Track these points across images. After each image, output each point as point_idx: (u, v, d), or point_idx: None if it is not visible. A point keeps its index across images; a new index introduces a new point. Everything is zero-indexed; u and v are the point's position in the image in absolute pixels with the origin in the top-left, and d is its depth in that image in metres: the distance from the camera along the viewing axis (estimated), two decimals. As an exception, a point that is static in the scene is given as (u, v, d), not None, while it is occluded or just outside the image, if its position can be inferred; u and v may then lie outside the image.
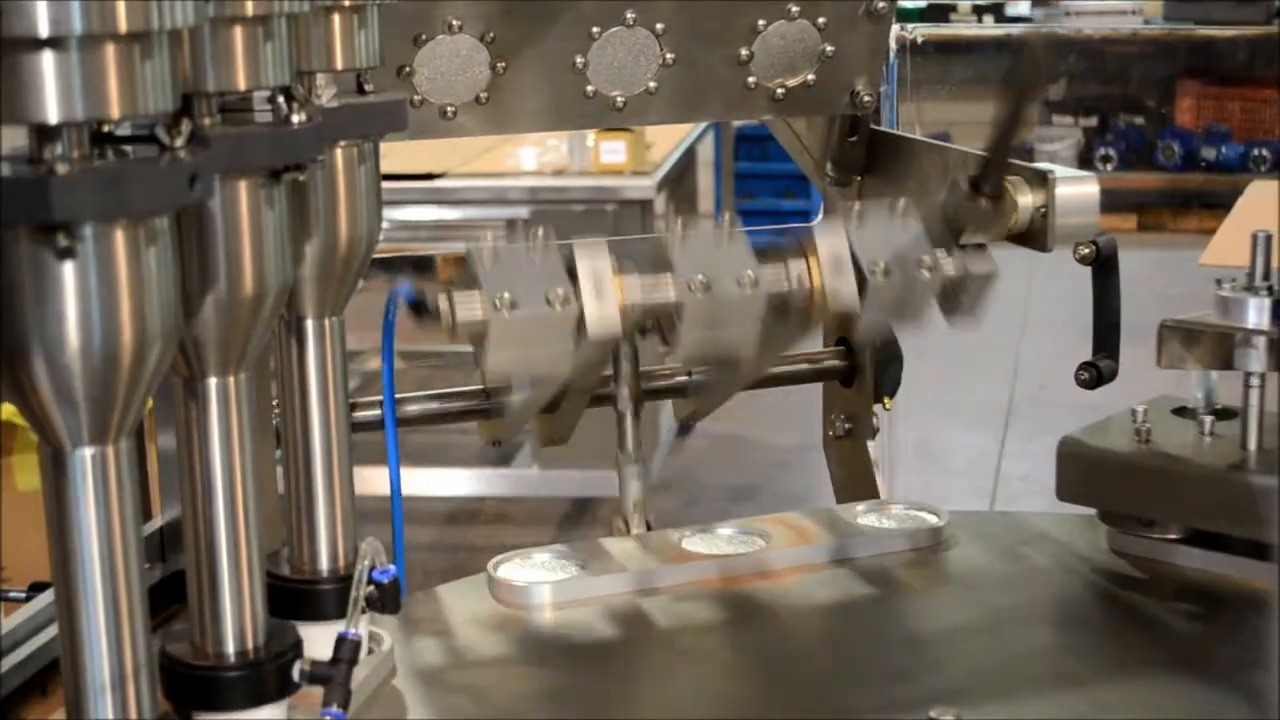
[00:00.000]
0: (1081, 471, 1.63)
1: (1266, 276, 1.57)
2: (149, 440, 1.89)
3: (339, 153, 1.32)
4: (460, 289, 1.50)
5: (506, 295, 1.48)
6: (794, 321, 1.59)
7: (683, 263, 1.54)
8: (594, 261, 1.52)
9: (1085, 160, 9.10)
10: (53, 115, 0.94)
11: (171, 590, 1.69)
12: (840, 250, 1.57)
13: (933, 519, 1.72)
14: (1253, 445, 1.58)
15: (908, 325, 1.63)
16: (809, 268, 1.58)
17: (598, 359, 1.58)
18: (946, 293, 1.59)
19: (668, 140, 5.46)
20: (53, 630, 1.62)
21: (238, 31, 1.11)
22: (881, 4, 1.81)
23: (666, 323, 1.56)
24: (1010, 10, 9.22)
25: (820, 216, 2.07)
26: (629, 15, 1.72)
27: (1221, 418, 1.63)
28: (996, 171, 1.58)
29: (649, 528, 1.73)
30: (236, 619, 1.20)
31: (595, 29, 1.72)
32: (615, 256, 1.54)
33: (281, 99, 1.16)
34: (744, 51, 1.80)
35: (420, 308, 1.51)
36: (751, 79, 1.81)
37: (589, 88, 1.76)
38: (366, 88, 1.34)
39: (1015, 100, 1.52)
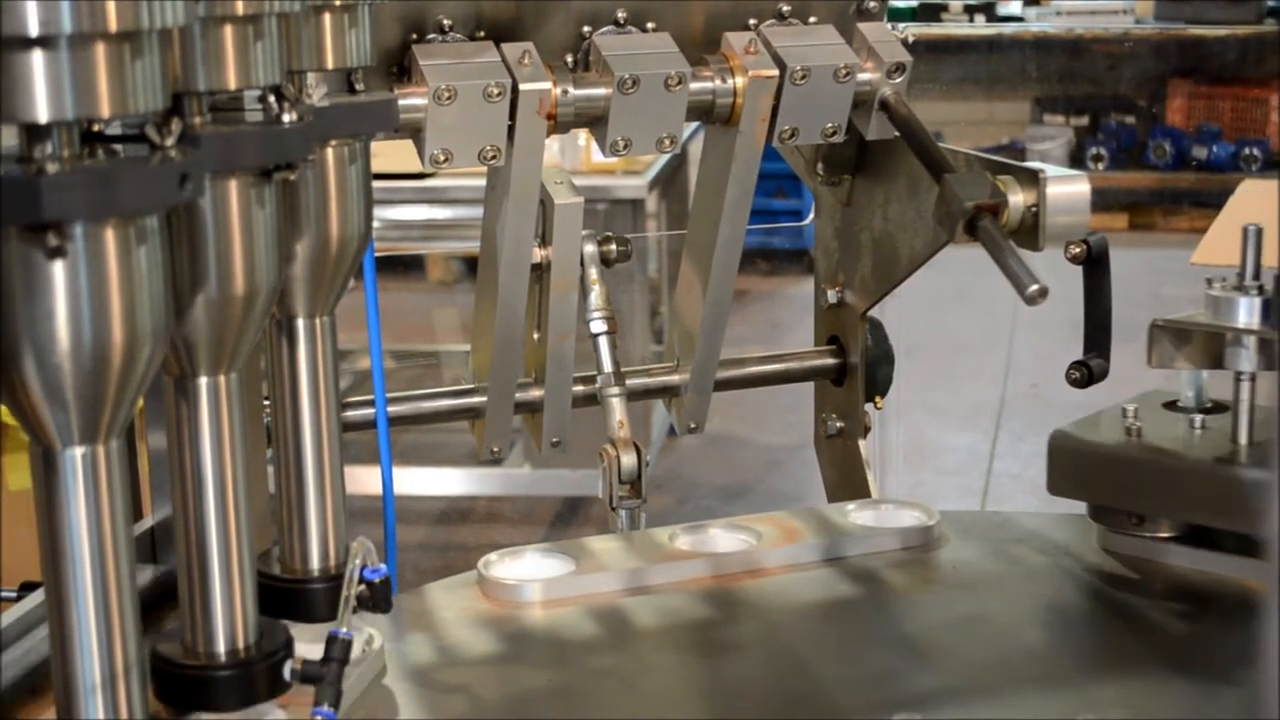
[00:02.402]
0: (1072, 465, 1.63)
1: (1257, 276, 1.57)
2: (140, 440, 1.89)
3: (329, 152, 1.32)
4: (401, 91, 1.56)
5: (444, 85, 1.55)
6: (718, 120, 1.67)
7: (615, 62, 1.61)
8: (525, 47, 1.60)
9: (1076, 159, 9.11)
10: (43, 114, 0.94)
11: (163, 590, 1.69)
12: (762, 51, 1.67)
13: (924, 518, 1.72)
14: (1243, 439, 1.58)
15: (822, 134, 1.69)
16: (731, 67, 1.66)
17: (535, 150, 1.63)
18: (862, 104, 1.68)
19: (659, 139, 5.45)
20: (43, 630, 1.62)
21: (228, 31, 1.11)
22: (873, 3, 1.81)
23: (597, 119, 1.64)
24: (1001, 10, 9.23)
25: (811, 216, 2.07)
26: (620, 14, 1.72)
27: (1212, 412, 1.64)
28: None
29: (639, 452, 1.74)
30: (227, 618, 1.20)
31: (587, 28, 1.72)
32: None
33: (272, 98, 1.16)
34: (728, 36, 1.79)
35: None
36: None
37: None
38: (357, 87, 1.34)
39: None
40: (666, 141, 1.64)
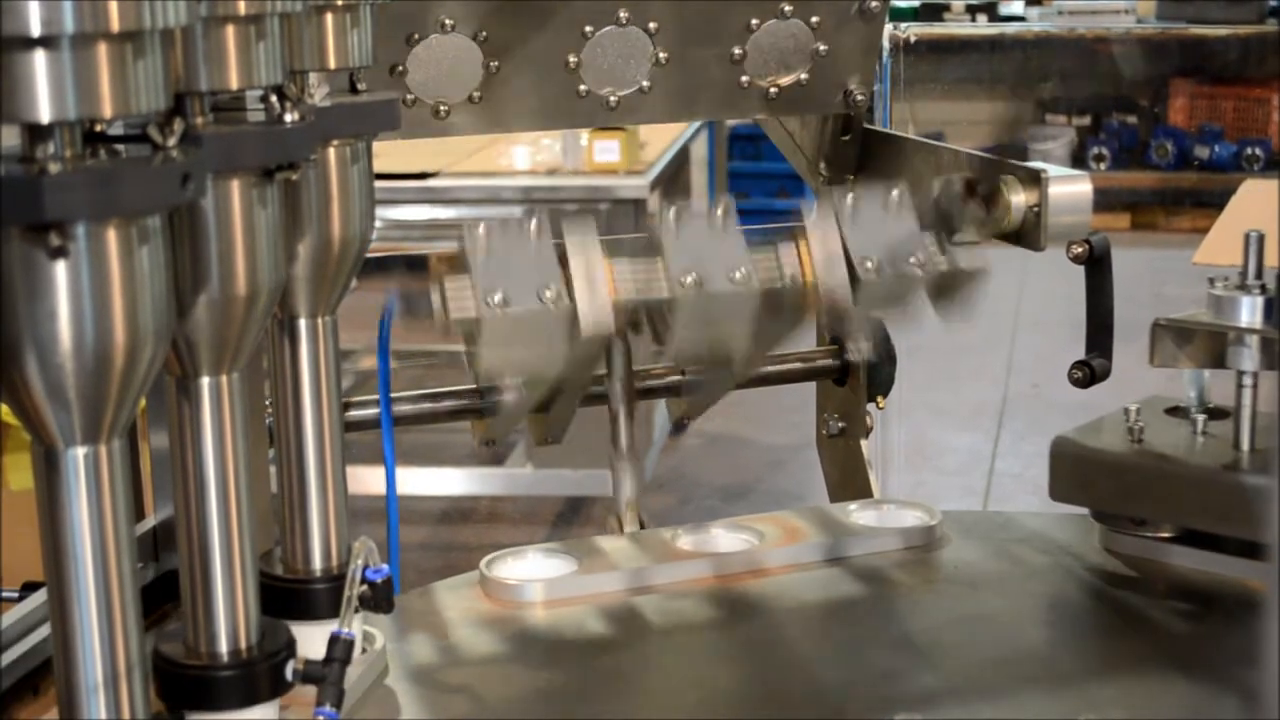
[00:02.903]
0: (1074, 471, 1.63)
1: (1259, 275, 1.57)
2: (142, 439, 1.89)
3: (331, 152, 1.32)
4: (453, 283, 1.48)
5: (499, 294, 1.47)
6: (786, 317, 1.58)
7: (675, 257, 1.52)
8: (587, 255, 1.51)
9: (1078, 159, 9.11)
10: (45, 114, 0.94)
11: (165, 589, 1.69)
12: (833, 245, 1.56)
13: (925, 518, 1.72)
14: (1245, 445, 1.58)
15: (898, 321, 1.63)
16: (801, 263, 1.57)
17: (590, 356, 1.58)
18: (937, 288, 1.59)
19: (661, 139, 5.46)
20: (46, 630, 1.62)
21: (230, 31, 1.11)
22: (874, 3, 1.81)
23: (659, 319, 1.55)
24: (1003, 9, 9.22)
25: (814, 212, 2.07)
26: (622, 14, 1.72)
27: (1214, 417, 1.64)
28: (991, 176, 1.58)
29: (642, 526, 1.73)
30: (229, 618, 1.20)
31: (588, 28, 1.72)
32: (608, 250, 1.53)
33: (274, 98, 1.16)
34: (737, 50, 1.80)
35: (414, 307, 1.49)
36: (745, 78, 1.82)
37: (582, 87, 1.76)
38: (359, 87, 1.34)
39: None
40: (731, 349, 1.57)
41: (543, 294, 1.48)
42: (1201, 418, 1.63)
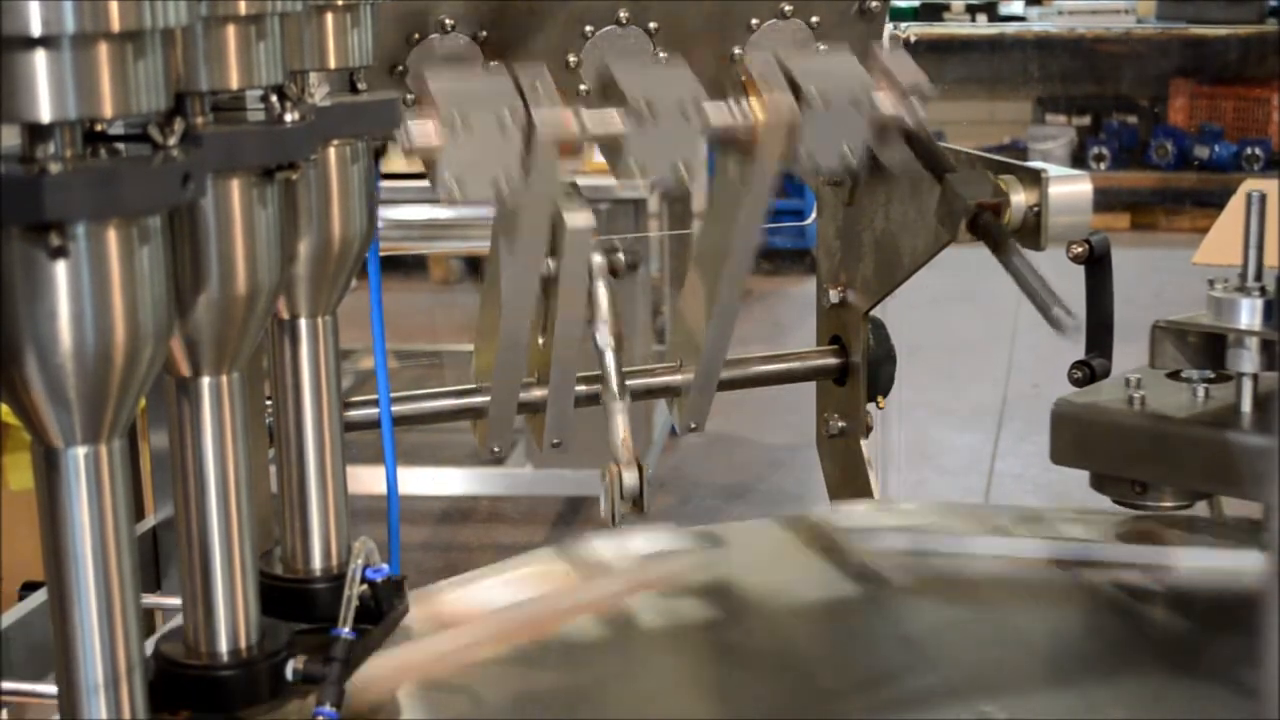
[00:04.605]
0: (1075, 433, 1.62)
1: (1259, 276, 1.57)
2: (142, 439, 1.89)
3: (332, 151, 1.32)
4: (414, 118, 1.51)
5: (457, 114, 1.49)
6: (738, 149, 1.61)
7: (630, 89, 1.55)
8: (540, 79, 1.53)
9: (1078, 159, 9.12)
10: (45, 114, 0.94)
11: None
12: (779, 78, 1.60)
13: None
14: (1246, 406, 1.57)
15: (840, 159, 1.62)
16: (749, 96, 1.60)
17: (548, 181, 1.57)
18: (881, 131, 1.61)
19: (661, 139, 5.45)
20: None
21: (230, 30, 1.11)
22: (874, 3, 1.81)
23: (613, 147, 1.58)
24: (1003, 9, 9.22)
25: (813, 216, 2.07)
26: (622, 14, 1.72)
27: (1215, 381, 1.63)
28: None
29: (640, 470, 1.73)
30: (229, 618, 1.20)
31: (588, 28, 1.72)
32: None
33: (274, 98, 1.16)
34: (737, 50, 1.80)
35: None
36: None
37: (582, 86, 1.76)
38: (359, 87, 1.34)
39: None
40: (683, 170, 1.59)
41: (500, 111, 1.50)
42: (1202, 383, 1.62)
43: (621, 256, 1.79)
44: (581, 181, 1.65)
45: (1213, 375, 1.64)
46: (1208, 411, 1.59)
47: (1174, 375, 1.67)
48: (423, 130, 1.50)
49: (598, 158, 1.62)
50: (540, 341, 1.79)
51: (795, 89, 1.59)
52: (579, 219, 1.63)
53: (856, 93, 1.60)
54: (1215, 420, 1.57)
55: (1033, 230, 1.63)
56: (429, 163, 1.53)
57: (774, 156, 1.61)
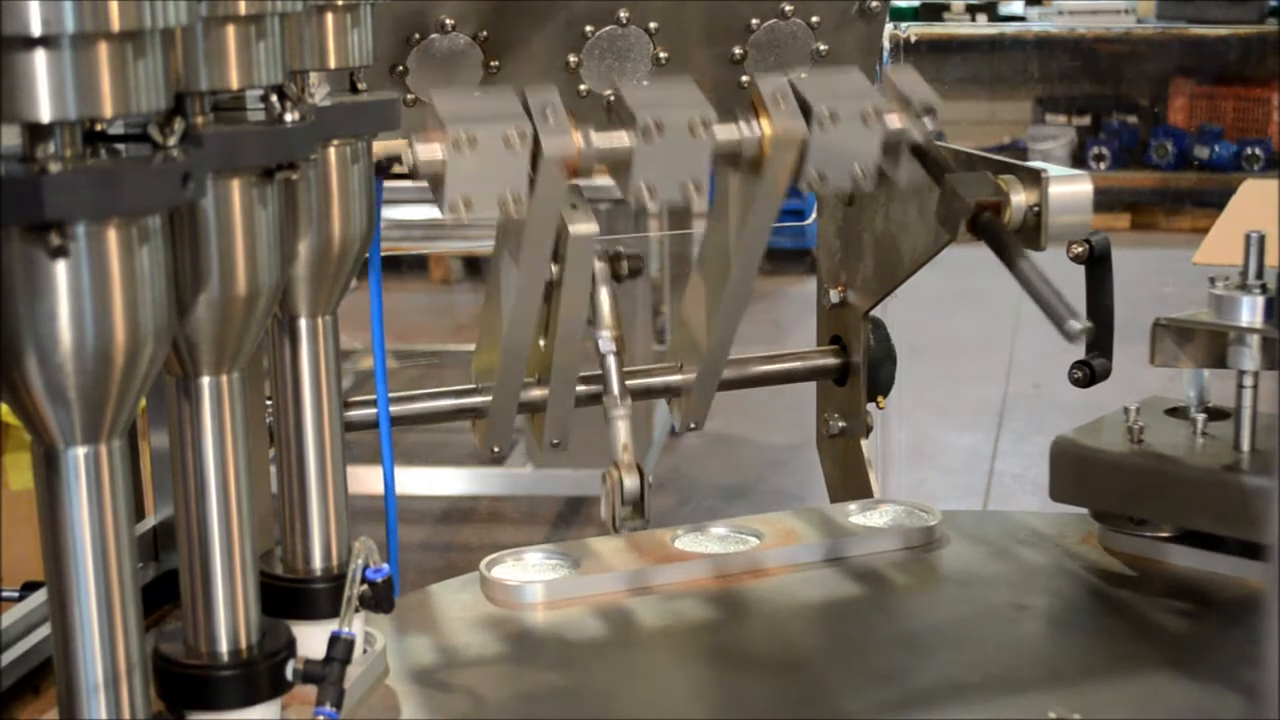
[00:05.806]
0: (1074, 472, 1.63)
1: (1260, 275, 1.57)
2: (142, 439, 1.89)
3: (332, 151, 1.32)
4: (420, 138, 1.47)
5: (464, 133, 1.45)
6: (746, 168, 1.58)
7: (638, 109, 1.51)
8: (549, 99, 1.50)
9: (1078, 159, 9.11)
10: (45, 114, 0.94)
11: (165, 589, 1.69)
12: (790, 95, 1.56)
13: (926, 518, 1.72)
14: (1245, 446, 1.58)
15: (851, 178, 1.60)
16: (758, 115, 1.56)
17: (553, 198, 1.55)
18: (890, 149, 1.58)
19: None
20: (46, 629, 1.62)
21: (230, 30, 1.11)
22: (874, 3, 1.81)
23: (620, 167, 1.54)
24: (1003, 9, 9.22)
25: (813, 216, 2.07)
26: (622, 14, 1.72)
27: (1214, 418, 1.64)
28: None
29: (641, 475, 1.73)
30: (230, 618, 1.20)
31: (588, 28, 1.72)
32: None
33: (274, 98, 1.16)
34: (737, 50, 1.80)
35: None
36: (744, 78, 1.82)
37: (582, 87, 1.76)
38: (359, 87, 1.34)
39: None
40: (692, 188, 1.55)
41: (506, 130, 1.47)
42: (1201, 418, 1.63)
43: (624, 262, 1.78)
44: (582, 182, 1.65)
45: (1211, 408, 1.64)
46: (1206, 450, 1.60)
47: (1173, 412, 1.67)
48: (429, 149, 1.47)
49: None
50: (541, 343, 1.78)
51: (805, 109, 1.56)
52: (583, 226, 1.62)
53: (867, 112, 1.56)
54: (1214, 459, 1.57)
55: (1033, 230, 1.63)
56: (434, 182, 1.50)
57: (783, 179, 1.60)
